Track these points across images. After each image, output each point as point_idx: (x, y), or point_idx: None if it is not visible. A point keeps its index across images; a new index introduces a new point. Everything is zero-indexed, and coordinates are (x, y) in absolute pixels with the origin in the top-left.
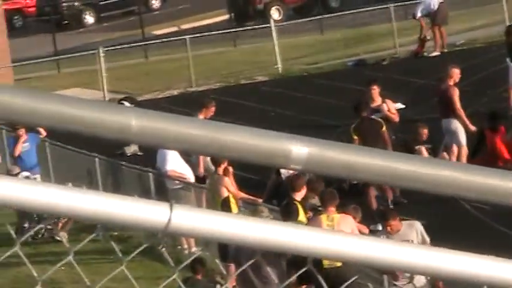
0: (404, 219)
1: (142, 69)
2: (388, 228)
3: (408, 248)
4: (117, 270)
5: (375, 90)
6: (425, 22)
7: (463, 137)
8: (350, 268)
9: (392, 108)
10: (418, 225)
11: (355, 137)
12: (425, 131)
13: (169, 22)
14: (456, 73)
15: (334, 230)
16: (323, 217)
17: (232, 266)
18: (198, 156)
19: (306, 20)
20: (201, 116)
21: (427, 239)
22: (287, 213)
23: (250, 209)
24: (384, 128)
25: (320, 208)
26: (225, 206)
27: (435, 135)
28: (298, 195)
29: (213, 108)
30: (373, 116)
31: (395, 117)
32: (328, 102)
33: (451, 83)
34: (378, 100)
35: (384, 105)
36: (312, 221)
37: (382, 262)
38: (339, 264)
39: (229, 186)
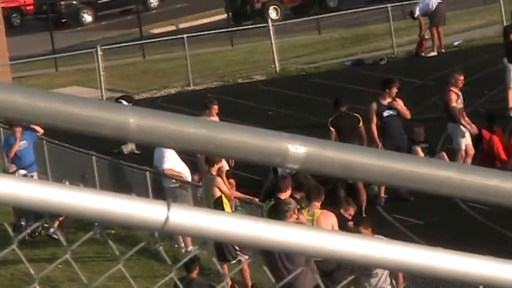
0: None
1: (139, 67)
2: None
3: (402, 248)
4: (115, 268)
5: (396, 90)
6: (424, 22)
7: (459, 141)
8: (330, 262)
9: (403, 105)
10: None
11: (332, 129)
12: (422, 131)
13: (167, 21)
14: (457, 78)
15: (329, 229)
16: (304, 211)
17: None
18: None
19: (303, 20)
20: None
21: None
22: (275, 213)
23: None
24: (361, 124)
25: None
26: (217, 206)
27: (432, 135)
28: (284, 195)
29: (215, 107)
30: (390, 113)
31: (408, 114)
32: (325, 102)
33: (450, 87)
34: (391, 98)
35: (395, 102)
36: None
37: (371, 261)
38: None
39: (221, 186)
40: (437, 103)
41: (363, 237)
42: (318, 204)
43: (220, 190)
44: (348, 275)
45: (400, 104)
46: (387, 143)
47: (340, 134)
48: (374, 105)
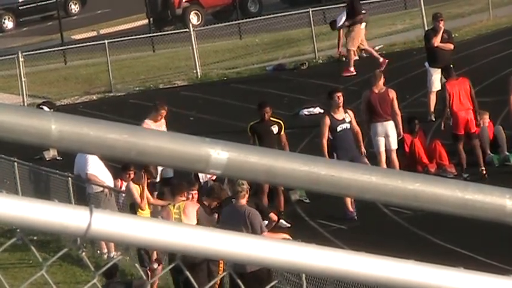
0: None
1: (61, 73)
2: None
3: (328, 253)
4: (37, 275)
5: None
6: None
7: (374, 142)
8: (264, 270)
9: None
10: None
11: (250, 134)
12: None
13: (88, 27)
14: (374, 77)
15: (261, 236)
16: (171, 207)
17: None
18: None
19: (224, 25)
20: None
21: None
22: None
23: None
24: (283, 132)
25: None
26: (131, 211)
27: None
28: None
29: (164, 112)
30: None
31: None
32: (247, 107)
33: (371, 87)
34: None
35: (348, 115)
36: (163, 211)
37: (299, 267)
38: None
39: (135, 193)
40: (359, 108)
41: (286, 242)
42: (180, 198)
43: (134, 197)
44: None
45: (351, 115)
46: (341, 156)
47: (258, 140)
48: (327, 120)
